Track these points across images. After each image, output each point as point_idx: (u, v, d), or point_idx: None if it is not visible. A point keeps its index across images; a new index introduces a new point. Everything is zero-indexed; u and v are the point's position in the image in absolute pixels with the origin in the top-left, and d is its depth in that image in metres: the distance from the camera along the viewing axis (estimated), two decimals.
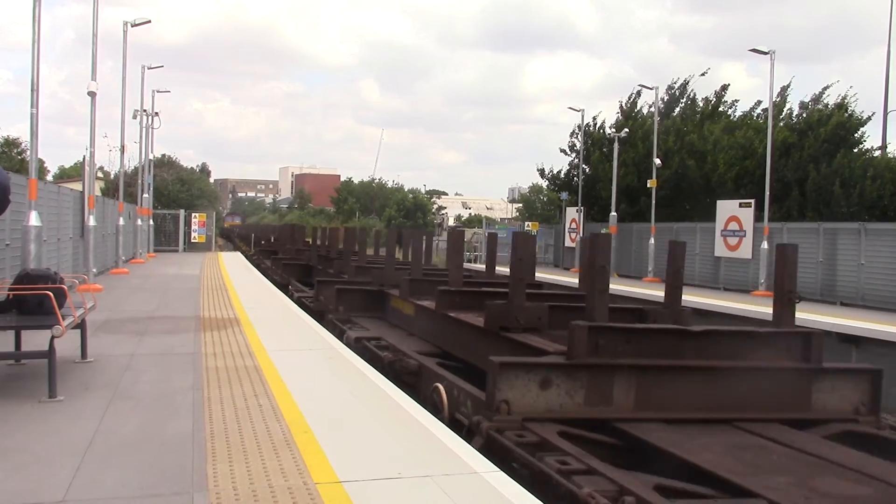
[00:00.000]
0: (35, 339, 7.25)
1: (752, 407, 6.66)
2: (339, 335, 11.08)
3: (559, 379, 6.45)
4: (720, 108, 35.35)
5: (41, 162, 39.54)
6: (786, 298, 7.37)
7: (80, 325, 7.72)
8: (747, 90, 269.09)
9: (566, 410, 6.40)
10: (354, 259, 18.08)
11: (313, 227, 32.26)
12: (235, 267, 25.35)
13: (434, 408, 7.25)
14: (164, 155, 64.46)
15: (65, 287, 7.22)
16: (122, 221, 22.96)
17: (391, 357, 9.30)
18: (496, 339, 8.40)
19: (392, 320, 12.86)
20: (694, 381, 6.73)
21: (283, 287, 19.32)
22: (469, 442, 5.63)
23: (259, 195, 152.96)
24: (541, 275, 19.57)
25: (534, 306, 8.57)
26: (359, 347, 10.15)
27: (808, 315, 16.35)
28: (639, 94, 36.82)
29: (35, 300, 6.83)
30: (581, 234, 32.72)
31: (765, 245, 22.39)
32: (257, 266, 27.58)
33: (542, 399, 6.37)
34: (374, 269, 15.43)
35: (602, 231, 30.99)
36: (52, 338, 6.30)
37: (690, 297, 19.70)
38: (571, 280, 26.58)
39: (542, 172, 39.62)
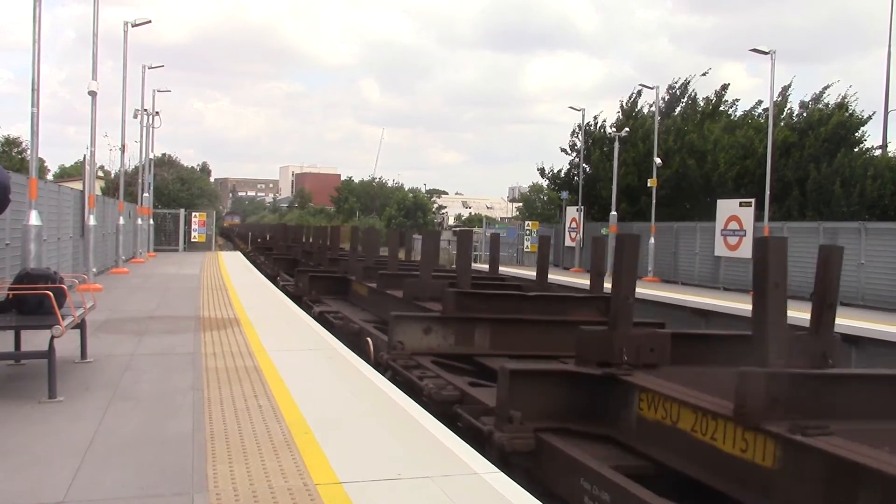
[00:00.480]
0: (35, 339, 7.25)
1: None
2: (309, 311, 14.01)
3: (436, 327, 9.03)
4: (721, 108, 35.37)
5: (41, 161, 39.49)
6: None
7: (80, 325, 7.72)
8: (748, 90, 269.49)
9: (442, 349, 8.93)
10: (329, 252, 21.71)
11: (300, 226, 36.58)
12: (235, 267, 25.36)
13: (366, 355, 9.90)
14: (164, 154, 64.59)
15: (65, 287, 7.21)
16: (122, 221, 22.96)
17: (341, 323, 12.42)
18: (410, 305, 11.34)
19: (352, 300, 15.84)
20: (531, 330, 9.16)
21: (272, 278, 21.93)
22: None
23: (259, 194, 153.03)
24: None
25: (436, 283, 11.76)
26: (321, 319, 12.98)
27: (807, 315, 16.35)
28: (639, 93, 36.90)
29: (35, 300, 6.83)
30: (581, 234, 32.76)
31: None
32: (253, 261, 30.19)
33: (425, 341, 8.95)
34: (342, 261, 18.93)
35: (602, 231, 31.02)
36: (52, 338, 6.30)
37: (690, 297, 19.75)
38: (566, 279, 26.63)
39: (542, 172, 39.65)
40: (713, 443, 4.96)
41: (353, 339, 11.40)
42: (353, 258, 17.67)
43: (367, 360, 8.80)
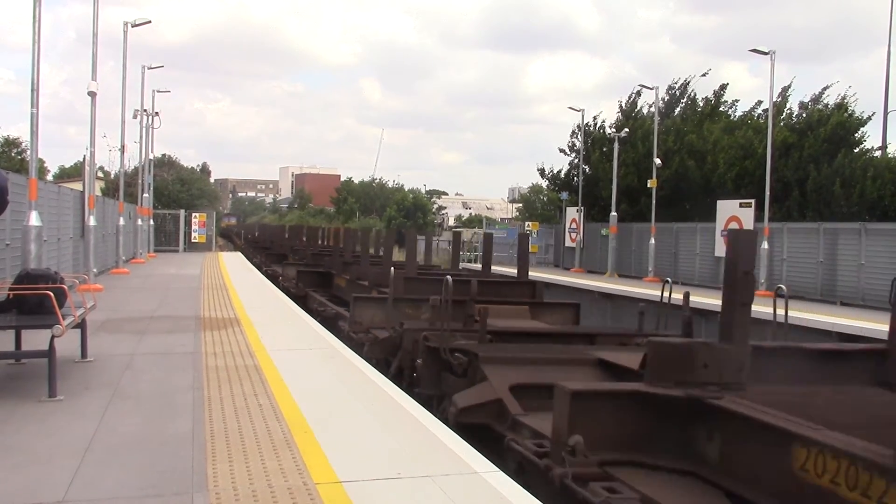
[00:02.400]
0: (35, 339, 7.25)
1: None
2: (295, 298, 16.49)
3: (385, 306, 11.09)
4: (720, 108, 35.36)
5: (41, 162, 39.57)
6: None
7: (81, 325, 7.73)
8: (750, 90, 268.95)
9: (386, 323, 10.52)
10: (312, 249, 25.58)
11: (288, 226, 42.90)
12: (235, 267, 25.37)
13: (340, 331, 11.93)
14: (164, 155, 64.56)
15: (65, 287, 7.22)
16: (122, 221, 22.96)
17: (328, 312, 14.79)
18: (369, 290, 14.01)
19: (336, 292, 17.94)
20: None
21: (259, 267, 26.18)
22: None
23: (259, 195, 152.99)
24: (537, 274, 19.70)
25: (378, 270, 14.71)
26: (306, 307, 15.16)
27: (808, 315, 16.36)
28: (639, 94, 36.86)
29: (35, 300, 6.84)
30: (581, 234, 32.75)
31: (765, 245, 22.37)
32: (246, 255, 33.98)
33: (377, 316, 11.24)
34: (326, 256, 22.22)
35: (602, 231, 31.04)
36: (53, 337, 6.30)
37: (691, 297, 19.71)
38: (566, 279, 26.64)
39: (542, 172, 39.64)
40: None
41: (332, 322, 13.65)
42: (337, 254, 20.12)
43: (338, 336, 10.79)
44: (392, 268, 12.39)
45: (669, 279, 9.55)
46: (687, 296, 8.29)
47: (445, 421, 6.21)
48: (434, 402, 7.55)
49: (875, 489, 3.72)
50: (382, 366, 9.11)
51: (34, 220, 12.51)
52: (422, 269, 16.17)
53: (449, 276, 8.72)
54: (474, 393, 6.82)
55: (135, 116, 30.72)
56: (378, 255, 19.77)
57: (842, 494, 3.87)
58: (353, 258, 18.65)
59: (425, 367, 8.15)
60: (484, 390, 6.74)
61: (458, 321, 9.14)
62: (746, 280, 5.03)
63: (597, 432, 4.93)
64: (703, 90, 52.43)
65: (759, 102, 34.54)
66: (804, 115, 31.08)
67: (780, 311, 7.60)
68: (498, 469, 4.77)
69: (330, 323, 13.39)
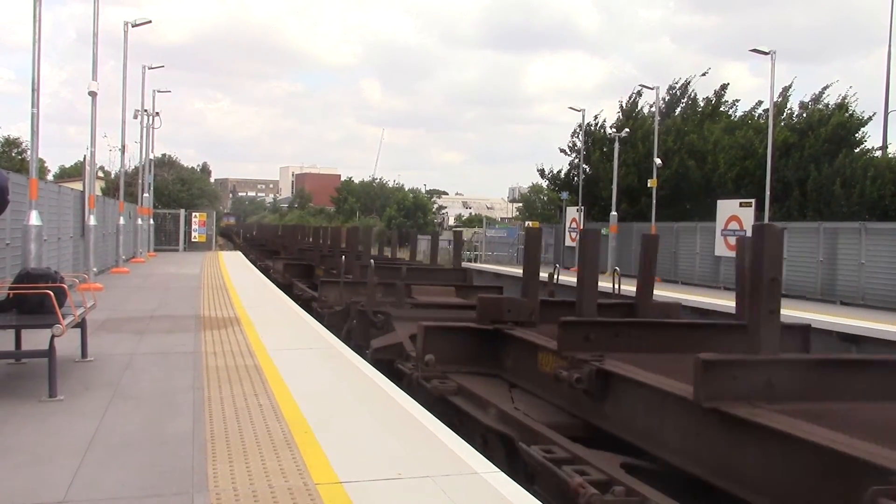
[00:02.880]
0: (35, 338, 7.24)
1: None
2: (281, 286, 18.77)
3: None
4: (720, 108, 35.37)
5: (42, 161, 39.49)
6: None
7: (81, 325, 7.73)
8: (751, 90, 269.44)
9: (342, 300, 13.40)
10: (298, 245, 29.47)
11: (281, 226, 47.84)
12: (235, 266, 25.36)
13: (312, 309, 14.13)
14: (164, 154, 64.61)
15: (65, 286, 7.21)
16: (122, 221, 22.97)
17: (306, 295, 16.90)
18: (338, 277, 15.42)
19: (315, 281, 19.11)
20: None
21: (254, 262, 29.00)
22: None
23: (259, 195, 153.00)
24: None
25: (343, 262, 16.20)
26: (291, 294, 17.13)
27: (807, 314, 16.34)
28: (639, 93, 36.88)
29: (35, 299, 6.83)
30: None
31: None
32: (245, 253, 36.13)
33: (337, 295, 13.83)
34: (309, 251, 25.11)
35: (602, 231, 31.02)
36: (53, 337, 6.30)
37: (691, 297, 19.72)
38: (564, 279, 26.52)
39: (542, 172, 39.65)
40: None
41: (308, 302, 15.77)
42: (317, 250, 23.18)
43: (305, 309, 13.44)
44: (343, 256, 16.00)
45: (619, 269, 11.48)
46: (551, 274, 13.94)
47: (365, 357, 9.06)
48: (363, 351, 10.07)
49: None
50: (336, 331, 11.48)
51: (34, 219, 12.51)
52: (383, 261, 19.87)
53: (372, 260, 13.23)
54: (385, 339, 9.99)
55: (135, 116, 30.74)
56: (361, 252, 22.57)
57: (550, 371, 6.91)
58: (328, 252, 21.58)
59: (358, 325, 11.47)
60: (391, 338, 9.83)
61: (391, 296, 11.70)
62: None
63: (443, 352, 8.11)
64: (703, 90, 52.44)
65: (760, 102, 34.59)
66: (804, 114, 31.08)
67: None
68: (498, 469, 4.76)
69: (307, 305, 15.38)
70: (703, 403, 5.00)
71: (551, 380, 6.76)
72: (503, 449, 6.47)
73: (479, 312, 8.41)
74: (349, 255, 17.03)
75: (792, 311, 17.03)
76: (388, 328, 10.29)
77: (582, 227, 32.60)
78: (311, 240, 31.44)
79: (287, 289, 18.44)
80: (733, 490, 4.80)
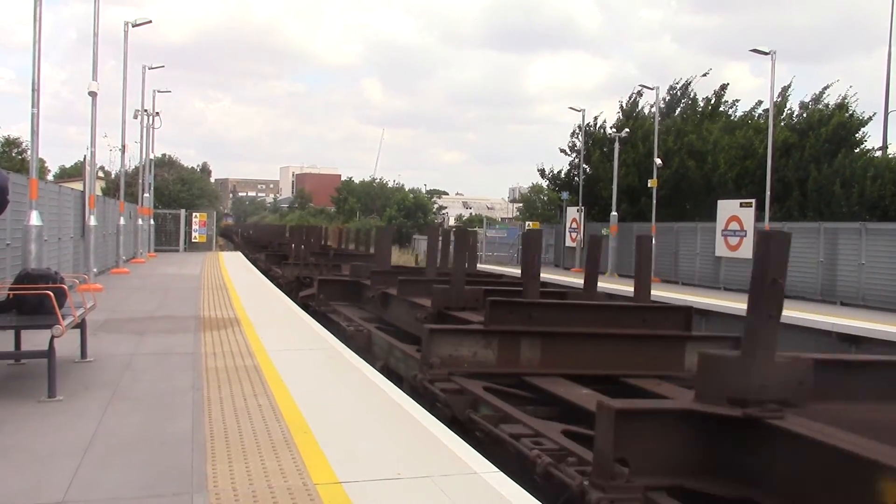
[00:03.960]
0: (35, 339, 7.25)
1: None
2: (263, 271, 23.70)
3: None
4: (720, 108, 35.39)
5: (42, 161, 39.48)
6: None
7: (81, 325, 7.73)
8: (752, 89, 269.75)
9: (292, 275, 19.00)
10: (279, 241, 33.56)
11: (270, 224, 53.67)
12: (236, 267, 25.37)
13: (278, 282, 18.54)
14: (164, 155, 64.65)
15: (65, 287, 7.22)
16: (122, 221, 22.98)
17: (279, 277, 21.37)
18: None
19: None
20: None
21: (247, 256, 33.47)
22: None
23: (260, 195, 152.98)
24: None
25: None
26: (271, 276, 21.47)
27: (807, 315, 16.36)
28: (640, 94, 36.89)
29: (35, 300, 6.83)
30: (581, 234, 32.75)
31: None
32: (238, 247, 41.79)
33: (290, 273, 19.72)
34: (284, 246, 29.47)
35: (602, 231, 31.03)
36: (52, 337, 6.30)
37: (691, 297, 19.73)
38: (567, 279, 26.59)
39: (542, 172, 39.66)
40: None
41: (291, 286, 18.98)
42: (305, 250, 26.02)
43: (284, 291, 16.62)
44: (293, 244, 22.96)
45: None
46: None
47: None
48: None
49: None
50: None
51: (35, 219, 12.51)
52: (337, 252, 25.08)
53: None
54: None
55: (135, 116, 30.73)
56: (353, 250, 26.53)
57: None
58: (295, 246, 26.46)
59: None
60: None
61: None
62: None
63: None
64: (704, 90, 52.39)
65: (760, 102, 34.63)
66: (805, 114, 31.09)
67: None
68: (497, 469, 4.76)
69: (285, 287, 19.02)
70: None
71: None
72: None
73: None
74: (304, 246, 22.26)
75: (791, 312, 17.04)
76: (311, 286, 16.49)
77: (582, 227, 32.62)
78: (326, 243, 31.90)
79: (267, 273, 21.55)
80: None
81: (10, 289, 7.12)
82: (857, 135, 30.15)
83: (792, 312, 17.06)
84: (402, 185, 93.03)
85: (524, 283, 9.46)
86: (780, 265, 4.85)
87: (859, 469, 3.83)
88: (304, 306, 14.56)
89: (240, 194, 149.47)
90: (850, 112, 29.98)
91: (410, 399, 6.68)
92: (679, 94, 36.08)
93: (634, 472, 4.37)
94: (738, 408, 4.53)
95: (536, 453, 5.19)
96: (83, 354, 7.99)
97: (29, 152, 14.99)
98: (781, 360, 4.73)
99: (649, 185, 28.78)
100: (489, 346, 7.68)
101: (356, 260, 19.58)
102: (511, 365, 7.65)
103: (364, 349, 10.34)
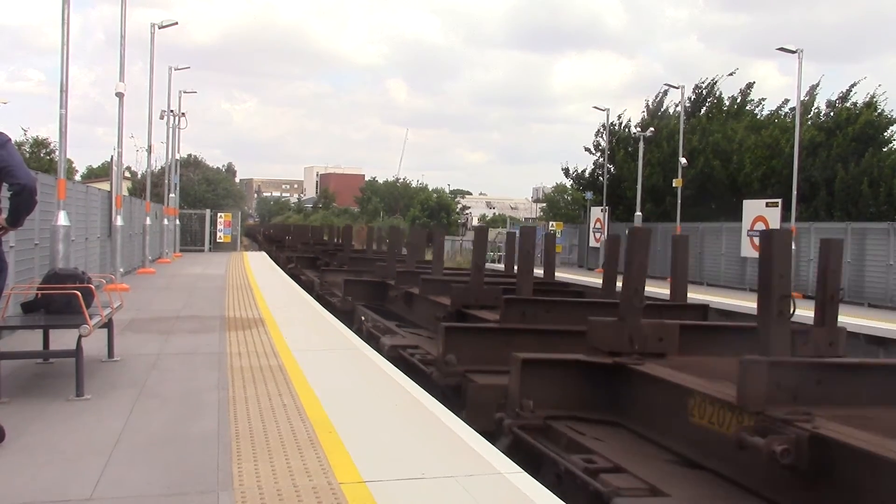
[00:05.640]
0: (63, 338, 7.33)
1: None
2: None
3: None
4: (746, 107, 35.11)
5: (70, 162, 39.97)
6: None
7: (108, 325, 7.79)
8: (779, 88, 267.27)
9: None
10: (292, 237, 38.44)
11: (294, 225, 53.74)
12: (260, 267, 25.49)
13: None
14: (190, 155, 65.17)
15: (92, 287, 7.28)
16: (148, 221, 23.16)
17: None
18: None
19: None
20: None
21: (268, 252, 37.16)
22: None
23: (284, 195, 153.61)
24: (560, 274, 19.63)
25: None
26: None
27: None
28: (665, 93, 36.71)
29: (63, 300, 6.89)
30: (605, 234, 32.60)
31: (792, 246, 22.16)
32: (265, 249, 43.65)
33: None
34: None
35: (627, 231, 30.84)
36: (80, 337, 6.36)
37: (715, 298, 19.58)
38: (590, 280, 26.46)
39: (566, 172, 39.55)
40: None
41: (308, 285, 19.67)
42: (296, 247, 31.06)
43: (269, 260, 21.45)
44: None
45: None
46: None
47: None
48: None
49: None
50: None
51: (62, 219, 12.62)
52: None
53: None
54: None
55: (161, 117, 30.93)
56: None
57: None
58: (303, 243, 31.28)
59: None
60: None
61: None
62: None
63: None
64: (730, 89, 51.95)
65: (786, 101, 34.32)
66: (832, 113, 30.77)
67: None
68: (522, 470, 4.76)
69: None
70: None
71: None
72: None
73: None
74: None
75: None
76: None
77: (606, 227, 32.47)
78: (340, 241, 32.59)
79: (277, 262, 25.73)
80: None
81: (39, 288, 7.19)
82: (885, 133, 29.81)
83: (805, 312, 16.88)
84: (426, 185, 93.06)
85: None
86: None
87: (678, 394, 5.44)
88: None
89: (264, 194, 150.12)
90: (879, 111, 29.65)
91: (435, 399, 6.68)
92: (705, 93, 35.84)
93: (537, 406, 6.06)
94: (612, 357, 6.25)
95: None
96: (110, 354, 8.06)
97: (57, 153, 15.12)
98: (647, 323, 6.43)
99: (674, 184, 28.60)
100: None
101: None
102: None
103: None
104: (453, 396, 7.50)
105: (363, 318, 12.78)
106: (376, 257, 20.08)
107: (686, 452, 5.32)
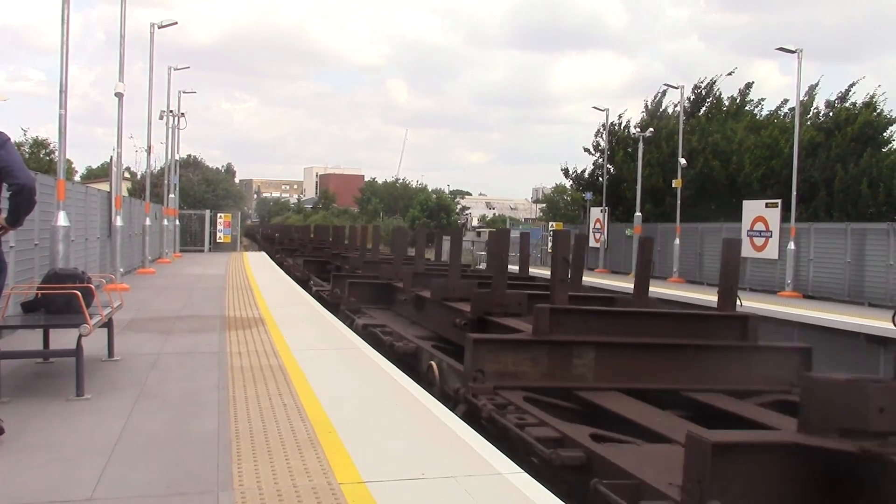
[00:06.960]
0: (63, 338, 7.32)
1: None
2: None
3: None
4: (745, 107, 35.11)
5: (69, 162, 39.88)
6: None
7: (108, 324, 7.80)
8: (780, 88, 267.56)
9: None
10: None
11: (285, 225, 57.53)
12: (260, 267, 25.49)
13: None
14: (189, 156, 65.19)
15: (92, 286, 7.28)
16: (148, 221, 23.14)
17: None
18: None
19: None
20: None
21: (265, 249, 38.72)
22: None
23: (284, 195, 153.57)
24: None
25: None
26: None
27: (834, 316, 16.20)
28: (664, 93, 36.66)
29: (63, 299, 6.89)
30: (605, 235, 32.61)
31: (791, 246, 22.19)
32: (264, 248, 44.30)
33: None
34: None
35: (626, 232, 30.89)
36: (80, 336, 6.36)
37: (715, 298, 19.58)
38: (591, 280, 26.52)
39: (566, 172, 39.50)
40: None
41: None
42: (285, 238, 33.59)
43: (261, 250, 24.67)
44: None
45: None
46: None
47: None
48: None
49: None
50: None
51: (62, 220, 12.62)
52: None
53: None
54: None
55: (161, 117, 30.88)
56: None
57: None
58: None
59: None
60: None
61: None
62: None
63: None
64: (730, 89, 52.00)
65: (786, 101, 34.31)
66: (831, 113, 30.77)
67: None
68: (522, 471, 4.76)
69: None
70: None
71: None
72: None
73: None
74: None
75: (818, 313, 16.87)
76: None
77: (605, 228, 32.48)
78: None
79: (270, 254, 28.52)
80: None
81: (39, 288, 7.19)
82: (884, 133, 29.81)
83: (818, 313, 16.90)
84: (426, 186, 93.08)
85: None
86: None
87: None
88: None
89: (264, 195, 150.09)
90: (878, 111, 29.65)
91: (435, 399, 6.69)
92: (704, 93, 35.83)
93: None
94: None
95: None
96: (110, 353, 8.06)
97: (56, 153, 15.10)
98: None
99: (673, 185, 28.59)
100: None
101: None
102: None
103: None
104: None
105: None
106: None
107: None
